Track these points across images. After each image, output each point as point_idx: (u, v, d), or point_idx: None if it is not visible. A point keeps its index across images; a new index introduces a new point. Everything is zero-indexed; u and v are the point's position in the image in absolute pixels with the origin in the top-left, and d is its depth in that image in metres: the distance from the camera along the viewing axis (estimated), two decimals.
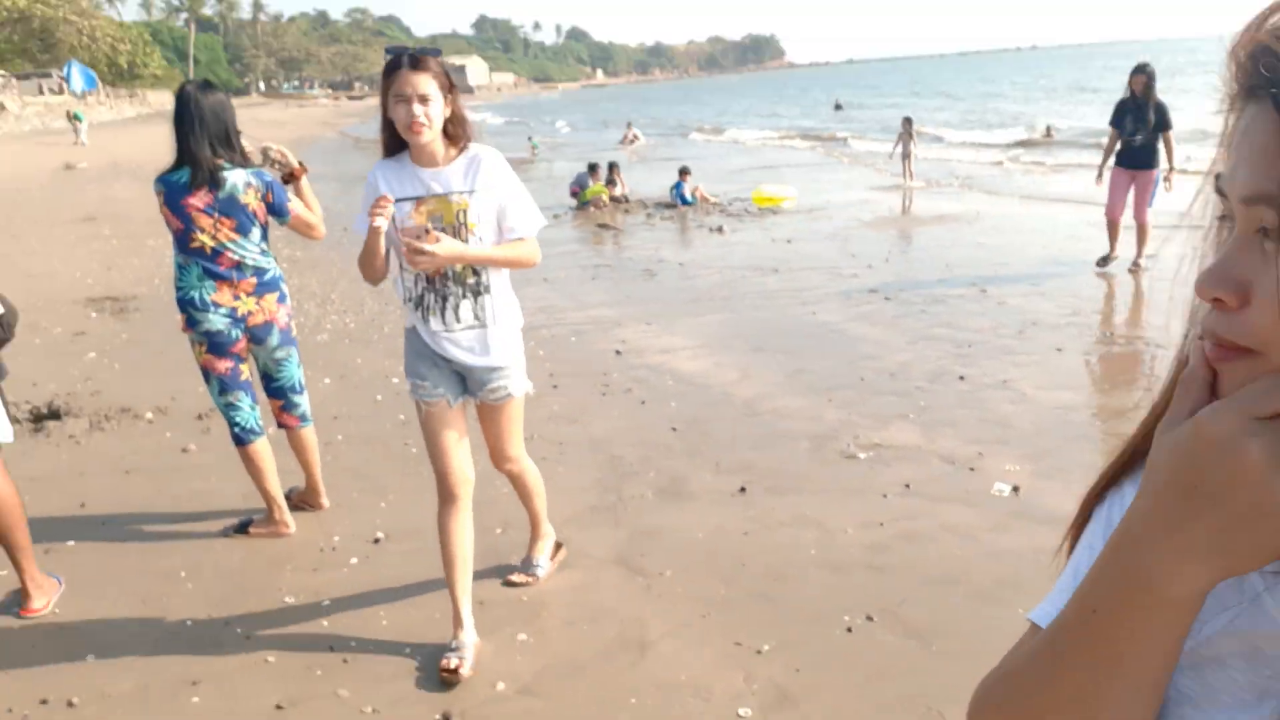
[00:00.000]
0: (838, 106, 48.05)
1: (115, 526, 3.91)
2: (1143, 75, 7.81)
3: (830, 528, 3.67)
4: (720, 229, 11.74)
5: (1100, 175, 8.36)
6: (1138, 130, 7.75)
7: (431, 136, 2.66)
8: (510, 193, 2.79)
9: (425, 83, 2.61)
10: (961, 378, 5.46)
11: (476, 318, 2.81)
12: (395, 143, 2.74)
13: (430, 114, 2.62)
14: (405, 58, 2.62)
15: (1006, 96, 48.53)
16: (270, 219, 3.59)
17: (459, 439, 2.88)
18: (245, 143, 3.59)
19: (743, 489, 4.05)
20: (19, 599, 3.26)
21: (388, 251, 2.78)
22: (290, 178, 3.65)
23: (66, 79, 43.38)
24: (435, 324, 2.80)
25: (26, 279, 8.92)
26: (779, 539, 3.61)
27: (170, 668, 2.92)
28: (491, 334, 2.82)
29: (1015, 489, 3.96)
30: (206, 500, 4.12)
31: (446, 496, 2.87)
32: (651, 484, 4.16)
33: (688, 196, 13.85)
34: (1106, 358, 5.93)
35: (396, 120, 2.63)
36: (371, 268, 2.78)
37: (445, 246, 2.65)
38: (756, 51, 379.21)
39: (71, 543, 3.77)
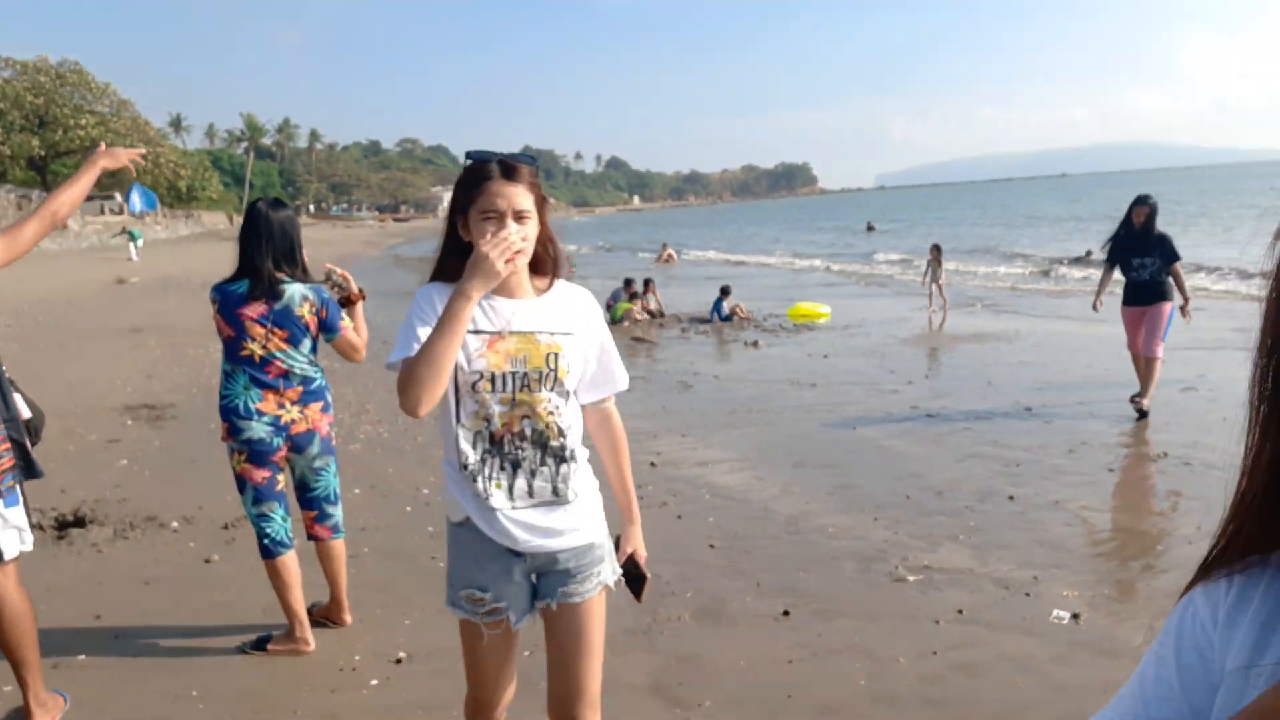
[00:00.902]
0: (870, 228, 48.86)
1: (129, 640, 3.75)
2: (1144, 207, 7.39)
3: (881, 656, 3.41)
4: (755, 343, 11.71)
5: (1096, 304, 7.95)
6: (1143, 265, 7.43)
7: (524, 263, 2.09)
8: (606, 340, 2.22)
9: (522, 196, 2.02)
10: (1011, 497, 5.22)
11: (556, 492, 2.11)
12: (459, 268, 2.01)
13: (528, 235, 2.03)
14: (496, 165, 2.04)
15: (1043, 218, 49.15)
16: (320, 334, 3.59)
17: (508, 666, 2.25)
18: (306, 256, 3.62)
19: (786, 612, 3.81)
20: (21, 718, 3.08)
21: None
22: (347, 301, 3.69)
23: (127, 201, 45.45)
24: (498, 500, 2.09)
25: (66, 386, 9.03)
26: (827, 668, 3.36)
27: None
28: (573, 511, 2.14)
29: (1075, 616, 3.69)
30: (226, 613, 3.96)
31: (478, 711, 2.33)
32: (689, 605, 3.94)
33: (725, 313, 13.92)
34: (1161, 478, 5.66)
35: (480, 241, 1.96)
36: (437, 378, 1.94)
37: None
38: (789, 178, 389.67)
39: (82, 657, 3.60)
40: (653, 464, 6.13)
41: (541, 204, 2.09)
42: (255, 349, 3.40)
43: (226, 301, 3.41)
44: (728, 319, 13.86)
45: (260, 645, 3.61)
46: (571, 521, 2.12)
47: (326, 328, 3.52)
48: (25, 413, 3.12)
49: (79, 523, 5.09)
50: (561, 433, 2.10)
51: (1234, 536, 0.66)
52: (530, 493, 2.09)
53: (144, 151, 3.38)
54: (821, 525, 4.90)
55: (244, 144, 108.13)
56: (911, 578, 4.14)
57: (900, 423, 7.15)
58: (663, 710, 3.12)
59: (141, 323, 14.52)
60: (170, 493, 5.65)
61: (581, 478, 2.16)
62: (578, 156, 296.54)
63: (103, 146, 3.25)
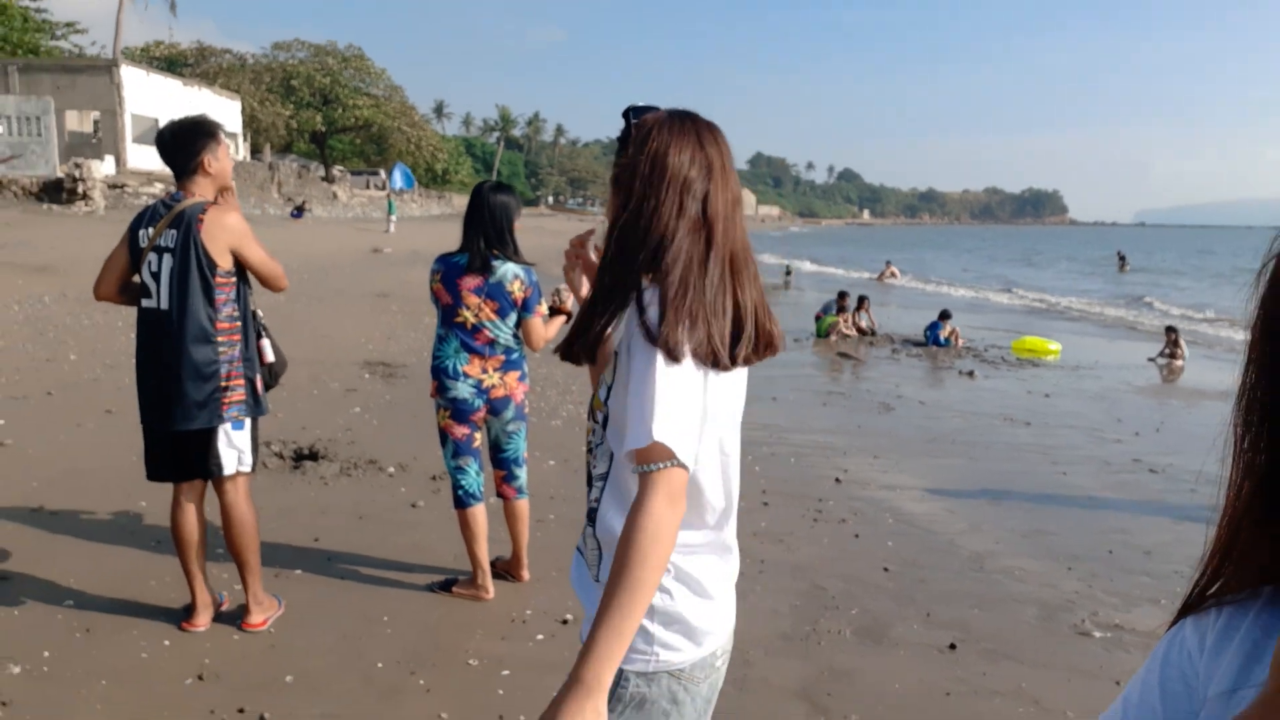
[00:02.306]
0: (1121, 258, 44.84)
1: (339, 564, 4.20)
2: None
3: (1048, 707, 3.24)
4: (971, 373, 11.19)
5: None
6: None
7: None
8: None
9: None
10: None
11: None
12: None
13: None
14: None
15: None
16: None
17: None
18: (519, 249, 3.89)
19: (953, 645, 3.69)
20: (242, 613, 3.55)
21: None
22: (557, 310, 3.97)
23: (390, 178, 49.75)
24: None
25: (320, 338, 10.11)
26: (985, 707, 3.22)
27: (355, 704, 3.03)
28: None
29: None
30: (422, 554, 4.34)
31: None
32: (852, 622, 3.90)
33: (943, 339, 13.38)
34: None
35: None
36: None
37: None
38: (1035, 205, 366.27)
39: (299, 571, 4.08)
40: (837, 479, 6.05)
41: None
42: (468, 317, 3.72)
43: (449, 271, 3.74)
44: (944, 344, 13.32)
45: (446, 587, 3.95)
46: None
47: (524, 306, 3.78)
48: (269, 357, 3.55)
49: (313, 456, 5.73)
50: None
51: (1216, 572, 0.66)
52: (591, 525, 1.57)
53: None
54: (1008, 567, 4.66)
55: (496, 134, 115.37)
56: (1098, 634, 3.88)
57: (1117, 474, 6.64)
58: (809, 716, 3.13)
59: (388, 289, 15.93)
60: (391, 441, 6.22)
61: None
62: (809, 166, 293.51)
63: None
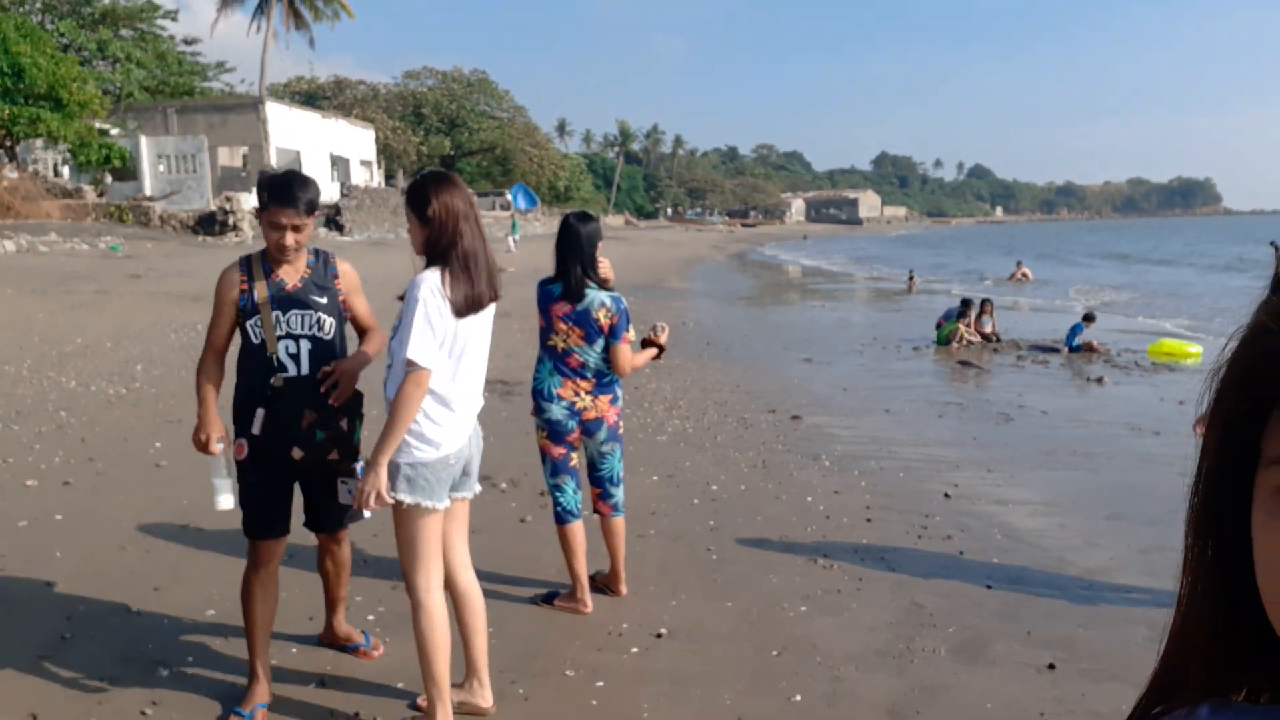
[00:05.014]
0: (1275, 247, 41.57)
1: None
2: None
3: None
4: (1100, 380, 10.71)
5: None
6: None
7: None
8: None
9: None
10: None
11: None
12: None
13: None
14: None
15: None
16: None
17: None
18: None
19: (1052, 665, 3.62)
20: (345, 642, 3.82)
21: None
22: (650, 344, 4.12)
23: (513, 198, 51.36)
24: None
25: None
26: None
27: (458, 710, 3.24)
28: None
29: None
30: (528, 567, 4.55)
31: None
32: (948, 640, 3.87)
33: (1078, 343, 12.80)
34: None
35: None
36: None
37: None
38: (1185, 196, 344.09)
39: None
40: (946, 495, 5.96)
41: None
42: (558, 341, 3.91)
43: (544, 297, 3.95)
44: (1077, 349, 12.74)
45: (548, 599, 4.14)
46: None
47: (613, 333, 3.93)
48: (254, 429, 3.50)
49: None
50: None
51: (1162, 691, 0.61)
52: None
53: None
54: (1121, 585, 4.51)
55: (615, 149, 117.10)
56: None
57: None
58: None
59: (510, 308, 16.37)
60: (505, 457, 6.50)
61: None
62: (937, 164, 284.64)
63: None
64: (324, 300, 3.23)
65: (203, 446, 3.17)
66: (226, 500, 3.23)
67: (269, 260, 3.20)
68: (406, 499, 2.86)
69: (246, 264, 3.20)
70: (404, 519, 2.93)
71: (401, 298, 2.90)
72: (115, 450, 6.48)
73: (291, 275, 3.21)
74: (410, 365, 2.75)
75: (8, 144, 27.51)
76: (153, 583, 4.26)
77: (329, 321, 3.22)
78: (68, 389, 8.36)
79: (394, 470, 2.84)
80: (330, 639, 3.72)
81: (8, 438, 6.68)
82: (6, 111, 25.82)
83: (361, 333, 3.43)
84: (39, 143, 28.47)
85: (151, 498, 5.53)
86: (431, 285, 2.80)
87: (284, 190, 3.09)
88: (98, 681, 3.38)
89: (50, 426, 7.04)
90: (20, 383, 8.53)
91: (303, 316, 3.17)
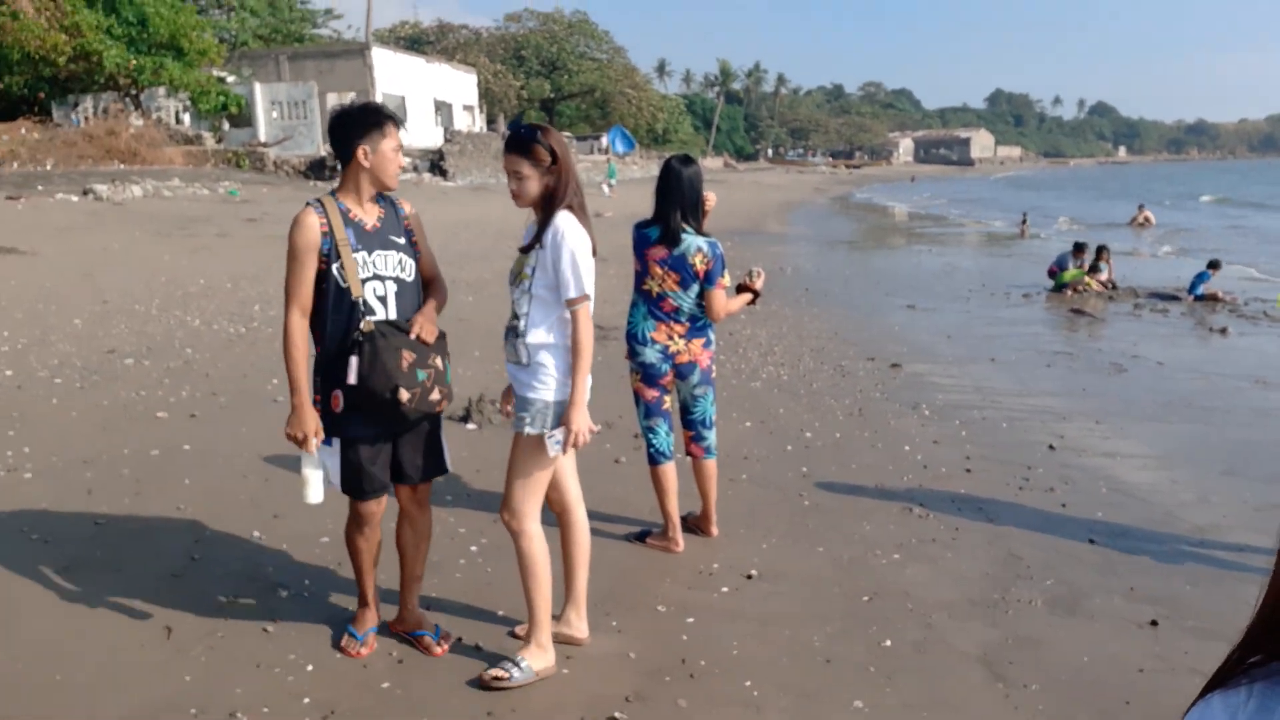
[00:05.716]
0: None
1: (549, 514, 4.59)
2: None
3: None
4: (1224, 330, 10.16)
5: None
6: None
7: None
8: None
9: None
10: None
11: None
12: None
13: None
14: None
15: None
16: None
17: None
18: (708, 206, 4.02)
19: (1154, 622, 3.53)
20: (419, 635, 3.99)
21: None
22: (745, 289, 4.10)
23: (611, 142, 51.19)
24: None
25: None
26: (1183, 685, 3.09)
27: (555, 640, 3.38)
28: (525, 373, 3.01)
29: None
30: (622, 506, 4.66)
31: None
32: (1046, 592, 3.81)
33: (1202, 291, 12.13)
34: None
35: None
36: None
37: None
38: None
39: None
40: (1051, 446, 5.79)
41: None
42: (653, 286, 3.94)
43: (640, 241, 3.97)
44: (1202, 298, 12.07)
45: (640, 538, 4.24)
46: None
47: (707, 278, 3.92)
48: (350, 378, 3.10)
49: None
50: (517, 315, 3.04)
51: (1256, 643, 0.63)
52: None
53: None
54: (1234, 543, 4.33)
55: (716, 89, 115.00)
56: None
57: None
58: (985, 682, 3.14)
59: (606, 253, 16.43)
60: (600, 400, 6.56)
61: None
62: (1056, 101, 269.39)
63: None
64: (403, 241, 3.08)
65: (300, 443, 2.96)
66: (317, 493, 3.07)
67: (343, 199, 3.02)
68: (557, 433, 2.96)
69: (320, 206, 2.99)
70: (534, 452, 3.02)
71: (525, 249, 2.97)
72: (236, 386, 6.86)
73: (370, 215, 3.03)
74: (584, 300, 2.90)
75: (134, 93, 28.88)
76: (271, 510, 4.54)
77: (410, 263, 3.07)
78: (192, 328, 8.86)
79: (544, 406, 2.96)
80: (400, 628, 3.38)
81: (140, 373, 7.15)
82: (133, 61, 27.06)
83: (426, 281, 3.20)
84: (161, 91, 29.74)
85: (269, 431, 5.85)
86: (578, 229, 2.92)
87: (391, 114, 3.05)
88: (224, 599, 3.65)
89: (178, 363, 7.49)
90: (150, 321, 9.07)
91: (386, 257, 3.01)
